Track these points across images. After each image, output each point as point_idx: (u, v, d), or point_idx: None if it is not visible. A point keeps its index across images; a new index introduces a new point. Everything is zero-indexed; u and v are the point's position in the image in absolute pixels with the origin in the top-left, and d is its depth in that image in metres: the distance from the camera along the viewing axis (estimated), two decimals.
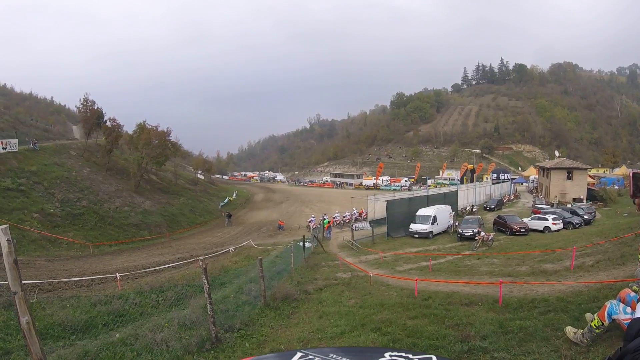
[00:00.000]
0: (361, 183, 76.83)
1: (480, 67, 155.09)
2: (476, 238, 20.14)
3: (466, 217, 26.89)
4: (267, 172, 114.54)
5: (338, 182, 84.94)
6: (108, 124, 40.29)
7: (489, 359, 4.16)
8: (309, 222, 32.21)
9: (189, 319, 5.91)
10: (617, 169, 64.29)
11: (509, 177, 56.18)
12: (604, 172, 63.55)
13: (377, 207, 27.67)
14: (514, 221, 24.07)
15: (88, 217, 27.98)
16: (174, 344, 4.99)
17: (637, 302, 3.43)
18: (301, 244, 17.92)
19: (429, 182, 60.85)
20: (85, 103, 41.56)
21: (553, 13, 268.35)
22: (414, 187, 58.27)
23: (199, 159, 68.75)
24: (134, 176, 37.49)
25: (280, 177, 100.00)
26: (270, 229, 33.05)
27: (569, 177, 40.70)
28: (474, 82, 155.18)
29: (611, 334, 4.06)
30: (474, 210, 33.64)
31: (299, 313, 7.62)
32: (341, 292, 10.07)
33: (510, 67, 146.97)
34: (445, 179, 70.25)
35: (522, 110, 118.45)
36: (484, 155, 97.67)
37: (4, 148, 29.79)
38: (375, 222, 26.19)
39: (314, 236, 22.76)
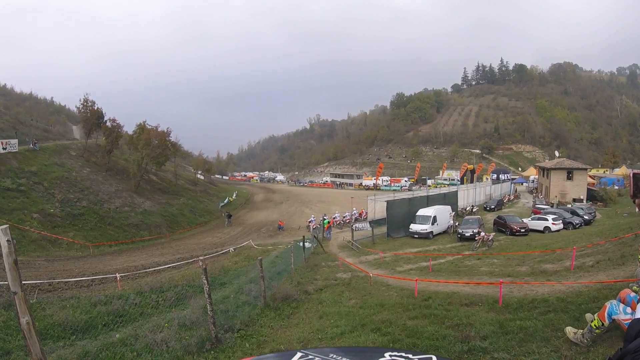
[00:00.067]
0: (361, 183, 76.80)
1: (480, 68, 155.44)
2: (476, 238, 20.12)
3: (466, 217, 26.89)
4: (267, 172, 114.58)
5: (338, 183, 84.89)
6: (108, 124, 40.38)
7: (489, 359, 4.16)
8: (309, 222, 32.19)
9: (189, 319, 5.90)
10: (617, 169, 64.28)
11: (509, 177, 56.32)
12: (604, 172, 63.57)
13: (377, 208, 27.68)
14: (514, 221, 24.07)
15: (88, 218, 28.00)
16: (174, 344, 4.99)
17: (637, 303, 3.43)
18: (301, 244, 17.91)
19: (429, 182, 60.87)
20: (85, 103, 41.63)
21: (553, 13, 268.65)
22: (414, 188, 58.18)
23: (199, 159, 68.87)
24: (134, 176, 37.53)
25: (280, 177, 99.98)
26: (270, 230, 33.07)
27: (569, 178, 40.72)
28: (474, 83, 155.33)
29: (611, 335, 4.06)
30: (474, 210, 33.64)
31: (299, 313, 7.62)
32: (341, 292, 10.06)
33: (510, 68, 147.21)
34: (445, 179, 70.19)
35: (522, 110, 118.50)
36: (484, 155, 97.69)
37: (4, 148, 29.81)
38: (375, 223, 26.17)
39: (314, 236, 22.73)
